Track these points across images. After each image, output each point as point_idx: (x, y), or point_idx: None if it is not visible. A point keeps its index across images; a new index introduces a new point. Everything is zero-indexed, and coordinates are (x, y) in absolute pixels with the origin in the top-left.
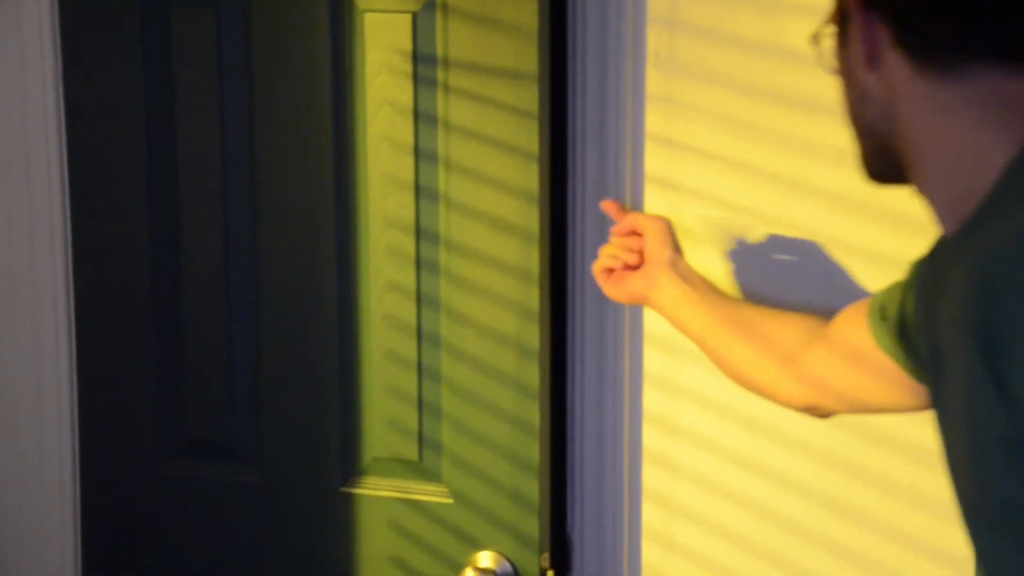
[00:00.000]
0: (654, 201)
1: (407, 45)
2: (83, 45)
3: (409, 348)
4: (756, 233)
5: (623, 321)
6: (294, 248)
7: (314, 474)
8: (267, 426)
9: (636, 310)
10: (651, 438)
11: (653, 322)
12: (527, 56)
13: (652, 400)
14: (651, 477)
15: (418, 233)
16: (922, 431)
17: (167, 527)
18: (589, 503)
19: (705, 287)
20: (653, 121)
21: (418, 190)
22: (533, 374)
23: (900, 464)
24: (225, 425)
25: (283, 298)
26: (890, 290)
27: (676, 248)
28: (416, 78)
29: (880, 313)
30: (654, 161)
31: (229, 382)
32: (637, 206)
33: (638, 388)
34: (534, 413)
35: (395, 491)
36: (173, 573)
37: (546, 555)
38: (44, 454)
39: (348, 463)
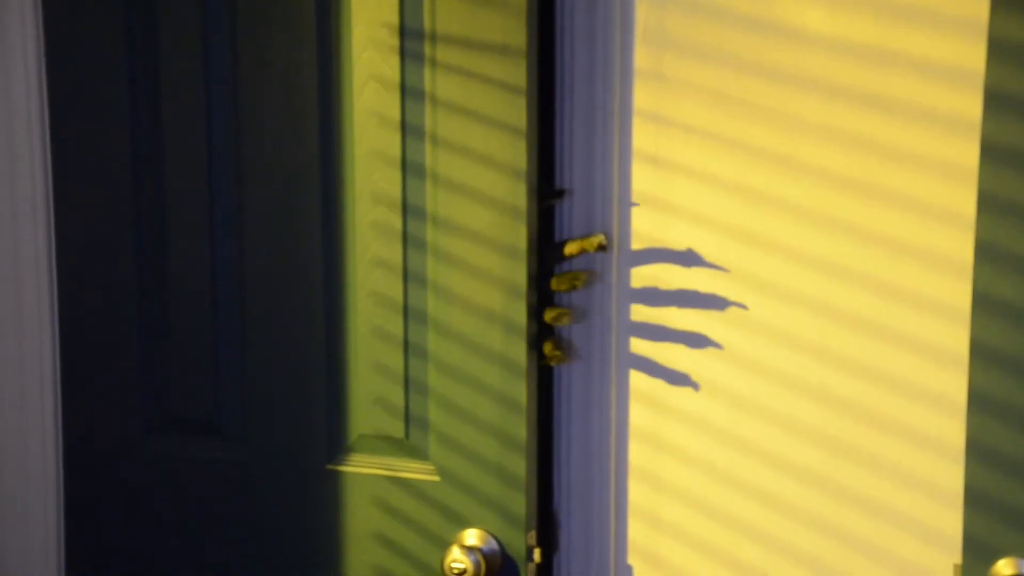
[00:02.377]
0: (643, 177)
1: (394, 19)
2: (66, 16)
3: (395, 325)
4: (743, 211)
5: (610, 298)
6: (280, 224)
7: (300, 451)
8: (253, 404)
9: (623, 286)
10: (638, 416)
11: (639, 303)
12: (515, 31)
13: (639, 378)
14: (637, 455)
15: (405, 209)
16: (910, 411)
17: (152, 504)
18: (576, 481)
19: None
20: (642, 97)
21: (405, 166)
22: (520, 351)
23: (888, 443)
24: (211, 403)
25: (269, 275)
26: None
27: None
28: (403, 53)
29: None
30: (643, 137)
31: (215, 360)
32: (625, 182)
33: (625, 366)
34: (521, 391)
35: (381, 469)
36: (158, 550)
37: (532, 533)
38: (27, 431)
39: (334, 440)
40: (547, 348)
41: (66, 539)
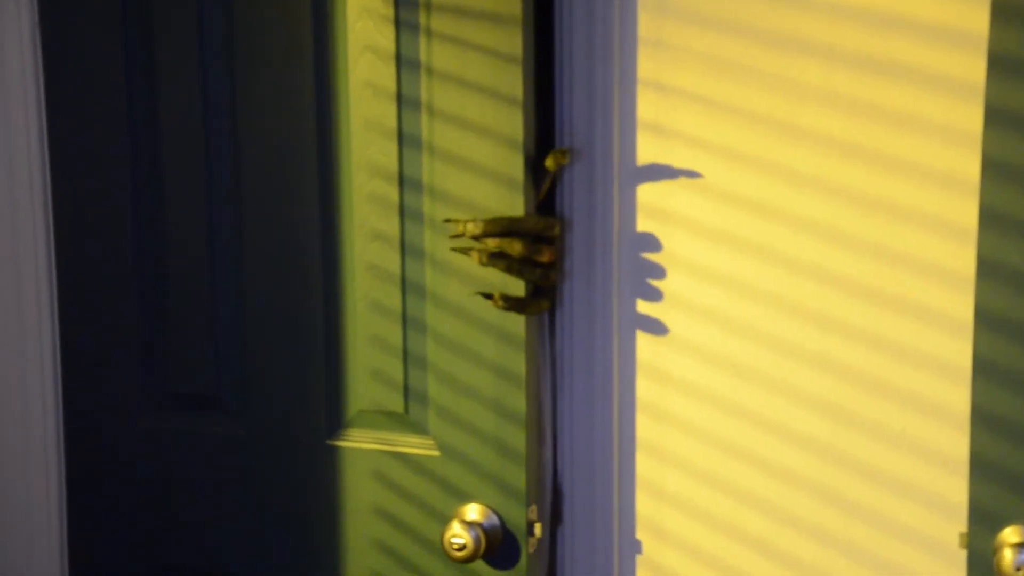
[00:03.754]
0: (644, 146)
1: None
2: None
3: (394, 298)
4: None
5: (611, 268)
6: (277, 198)
7: (300, 427)
8: (253, 379)
9: (625, 258)
10: (642, 388)
11: (641, 274)
12: None
13: (640, 348)
14: (643, 427)
15: (402, 181)
16: (914, 378)
17: (152, 480)
18: (579, 454)
19: None
20: (642, 65)
21: (401, 137)
22: (519, 323)
23: (892, 411)
24: (210, 378)
25: (266, 248)
26: None
27: None
28: (398, 22)
29: None
30: (644, 105)
31: (214, 335)
32: (627, 152)
33: (628, 337)
34: (520, 363)
35: (381, 444)
36: (158, 525)
37: (534, 507)
38: (28, 407)
39: (334, 416)
40: (496, 295)
41: (68, 513)
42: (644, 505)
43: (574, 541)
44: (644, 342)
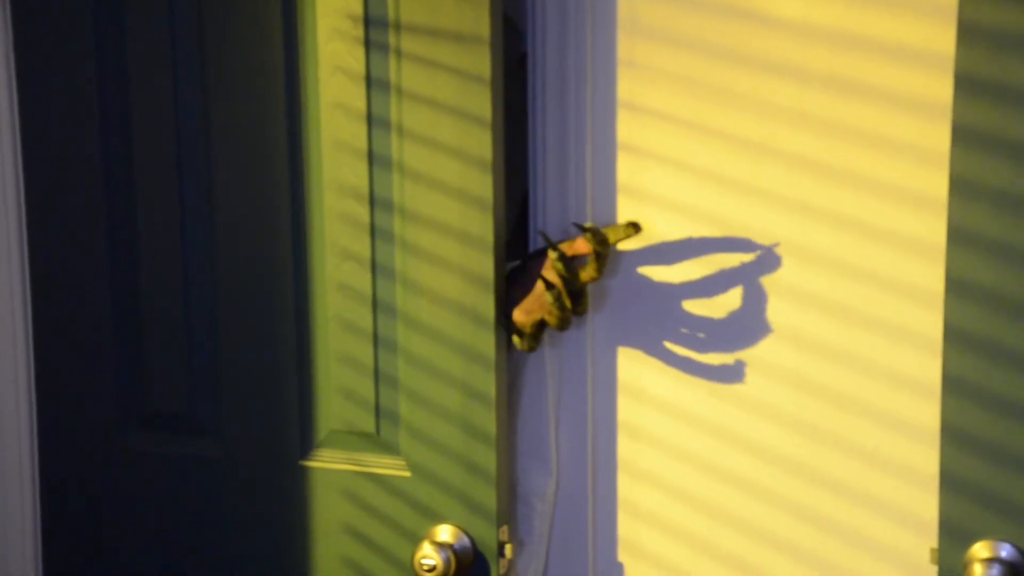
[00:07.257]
0: (621, 167)
1: (358, 10)
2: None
3: (365, 319)
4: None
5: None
6: (249, 218)
7: (272, 447)
8: (226, 399)
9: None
10: (619, 407)
11: (616, 294)
12: (478, 19)
13: (621, 367)
14: (622, 448)
15: (372, 201)
16: (887, 396)
17: (127, 500)
18: (562, 476)
19: None
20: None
21: (372, 158)
22: (489, 343)
23: (865, 428)
24: (184, 398)
25: (239, 269)
26: None
27: None
28: (368, 43)
29: None
30: (617, 125)
31: (187, 355)
32: (603, 172)
33: (603, 355)
34: (490, 384)
35: (353, 464)
36: (133, 545)
37: (504, 528)
38: (2, 427)
39: (306, 436)
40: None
41: (42, 533)
42: (623, 526)
43: (549, 563)
44: (622, 361)
